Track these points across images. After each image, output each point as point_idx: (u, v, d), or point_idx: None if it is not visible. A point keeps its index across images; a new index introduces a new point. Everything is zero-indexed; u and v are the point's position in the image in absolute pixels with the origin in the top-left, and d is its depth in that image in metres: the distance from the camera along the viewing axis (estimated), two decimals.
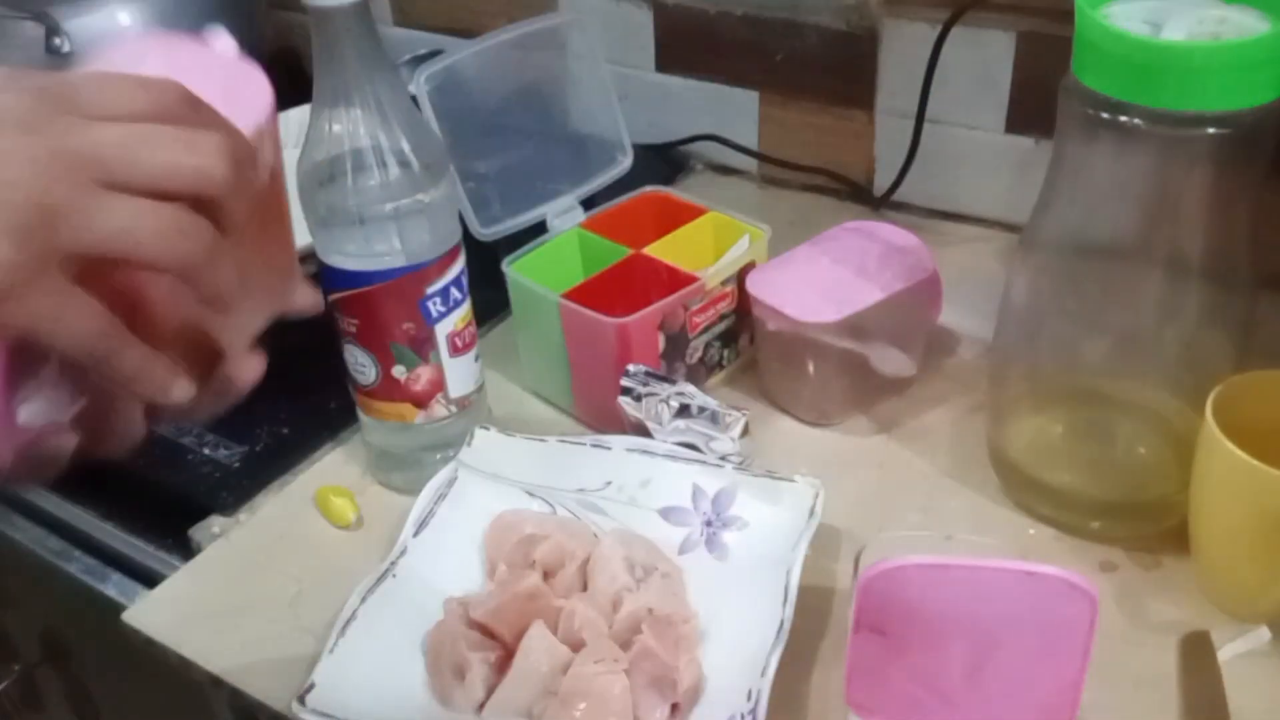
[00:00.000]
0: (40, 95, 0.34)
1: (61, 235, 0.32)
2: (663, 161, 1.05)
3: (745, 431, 0.65)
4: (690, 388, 0.66)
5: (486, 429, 0.68)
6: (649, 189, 0.83)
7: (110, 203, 0.33)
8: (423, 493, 0.64)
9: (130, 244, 0.33)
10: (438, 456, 0.68)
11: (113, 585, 0.71)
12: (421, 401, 0.67)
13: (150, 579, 0.69)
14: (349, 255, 0.62)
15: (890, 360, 0.74)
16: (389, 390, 0.66)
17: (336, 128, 0.59)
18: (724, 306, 0.75)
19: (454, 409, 0.68)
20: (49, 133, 0.33)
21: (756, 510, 0.62)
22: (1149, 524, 0.63)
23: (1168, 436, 0.65)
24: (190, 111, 0.36)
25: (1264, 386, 0.58)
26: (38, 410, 0.36)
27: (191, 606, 0.64)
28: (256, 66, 0.43)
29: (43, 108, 0.33)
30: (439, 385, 0.67)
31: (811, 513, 0.60)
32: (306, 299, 0.42)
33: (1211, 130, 0.54)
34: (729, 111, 1.02)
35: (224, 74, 0.41)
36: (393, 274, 0.62)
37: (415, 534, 0.62)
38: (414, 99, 0.68)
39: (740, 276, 0.75)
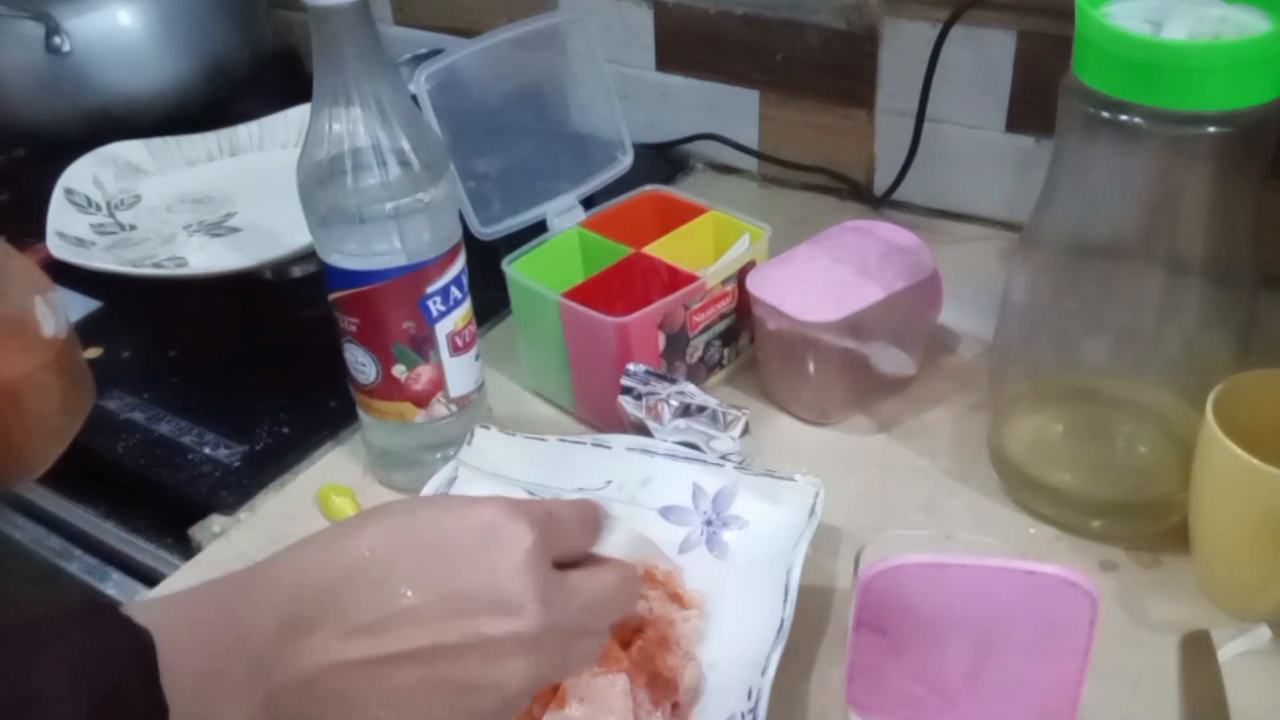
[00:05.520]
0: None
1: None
2: (663, 161, 1.05)
3: (745, 431, 0.65)
4: (690, 387, 0.66)
5: (487, 428, 0.68)
6: (649, 188, 0.83)
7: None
8: (423, 492, 0.64)
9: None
10: (438, 455, 0.68)
11: (113, 584, 0.71)
12: (422, 401, 0.67)
13: (150, 578, 0.69)
14: (349, 254, 0.62)
15: (890, 359, 0.74)
16: (389, 389, 0.66)
17: (337, 127, 0.59)
18: (724, 305, 0.75)
19: (454, 408, 0.68)
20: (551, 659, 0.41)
21: (757, 509, 0.62)
22: (1149, 523, 0.63)
23: (1168, 436, 0.65)
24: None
25: (1264, 386, 0.58)
26: None
27: None
28: None
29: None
30: (439, 384, 0.67)
31: (812, 512, 0.60)
32: None
33: (1211, 130, 0.54)
34: (729, 111, 1.02)
35: None
36: (393, 273, 0.62)
37: None
38: (414, 98, 0.68)
39: (740, 275, 0.75)
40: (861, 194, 0.98)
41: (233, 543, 0.68)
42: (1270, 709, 0.54)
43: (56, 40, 1.02)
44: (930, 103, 0.88)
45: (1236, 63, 0.52)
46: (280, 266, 0.86)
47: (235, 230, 0.94)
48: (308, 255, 0.81)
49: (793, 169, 1.00)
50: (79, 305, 0.89)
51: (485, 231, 0.77)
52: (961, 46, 0.86)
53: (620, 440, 0.66)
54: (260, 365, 0.83)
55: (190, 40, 1.09)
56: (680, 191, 0.83)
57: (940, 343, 0.80)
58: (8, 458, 0.45)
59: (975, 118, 0.90)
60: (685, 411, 0.65)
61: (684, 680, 0.54)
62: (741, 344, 0.78)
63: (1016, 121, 0.89)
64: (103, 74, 1.05)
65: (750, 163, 1.03)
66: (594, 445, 0.66)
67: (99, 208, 0.96)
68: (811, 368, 0.72)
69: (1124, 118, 0.55)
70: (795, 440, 0.73)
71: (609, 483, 0.65)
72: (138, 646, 0.37)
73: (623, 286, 0.76)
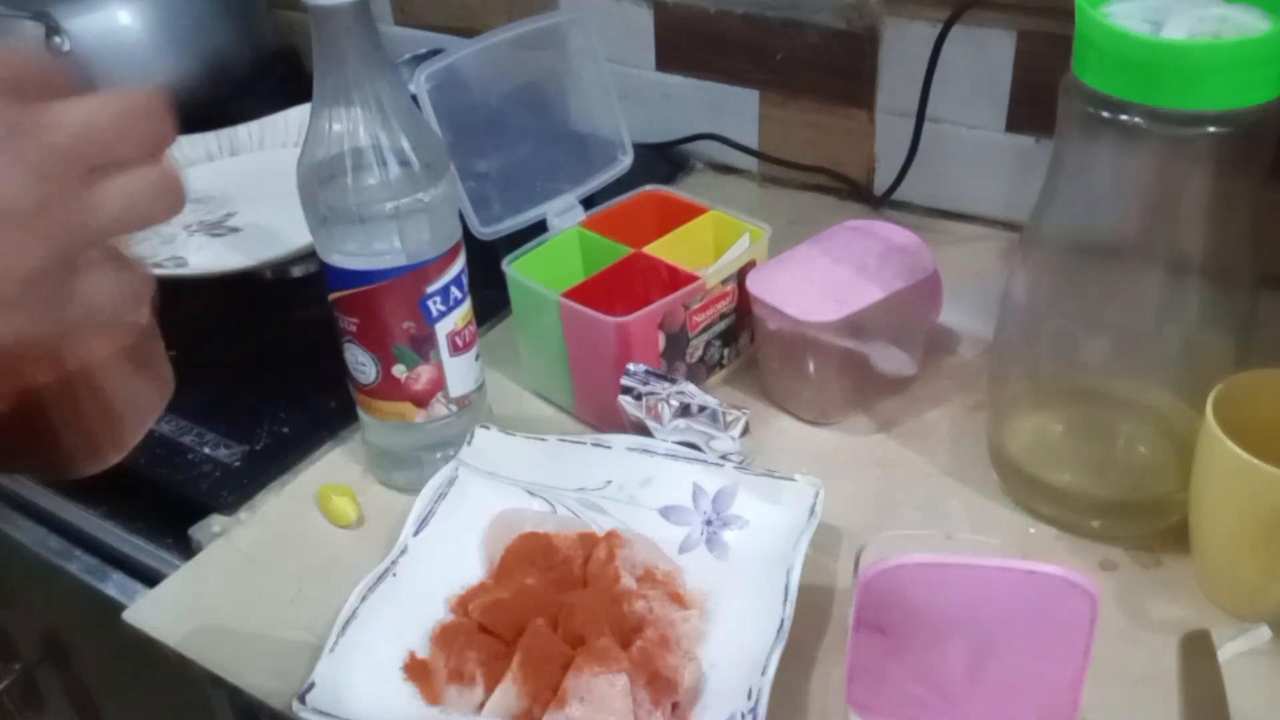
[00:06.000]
0: None
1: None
2: (663, 160, 1.05)
3: (745, 430, 0.65)
4: (690, 387, 0.66)
5: (487, 428, 0.68)
6: (649, 188, 0.82)
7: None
8: (423, 492, 0.64)
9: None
10: (438, 455, 0.68)
11: (113, 584, 0.71)
12: (422, 401, 0.67)
13: (150, 578, 0.69)
14: (349, 254, 0.62)
15: (890, 359, 0.74)
16: (389, 389, 0.66)
17: (337, 127, 0.59)
18: (724, 305, 0.75)
19: (454, 408, 0.68)
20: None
21: (757, 509, 0.62)
22: (1149, 523, 0.63)
23: (1168, 435, 0.65)
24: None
25: (1264, 386, 0.58)
26: None
27: (192, 606, 0.64)
28: None
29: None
30: (439, 384, 0.67)
31: (812, 512, 0.60)
32: None
33: (1211, 129, 0.54)
34: (729, 111, 1.02)
35: None
36: (393, 273, 0.62)
37: (415, 533, 0.62)
38: (414, 98, 0.68)
39: (740, 275, 0.75)
40: (861, 194, 0.98)
41: (233, 543, 0.68)
42: (1270, 709, 0.54)
43: (56, 40, 1.02)
44: (930, 103, 0.88)
45: (1236, 63, 0.52)
46: (280, 266, 0.86)
47: (235, 230, 0.94)
48: (308, 255, 0.81)
49: (793, 169, 1.00)
50: None
51: (485, 231, 0.77)
52: (961, 46, 0.86)
53: (620, 440, 0.66)
54: (260, 365, 0.83)
55: (190, 40, 1.09)
56: (680, 191, 0.83)
57: (940, 343, 0.80)
58: (85, 443, 0.45)
59: (975, 118, 0.90)
60: (685, 411, 0.65)
61: (684, 680, 0.54)
62: (741, 344, 0.78)
63: (1016, 121, 0.89)
64: (103, 74, 1.05)
65: (750, 163, 1.03)
66: (594, 445, 0.66)
67: None
68: (811, 368, 0.72)
69: (1124, 118, 0.55)
70: (795, 440, 0.73)
71: (609, 483, 0.65)
72: None
73: (623, 286, 0.76)
